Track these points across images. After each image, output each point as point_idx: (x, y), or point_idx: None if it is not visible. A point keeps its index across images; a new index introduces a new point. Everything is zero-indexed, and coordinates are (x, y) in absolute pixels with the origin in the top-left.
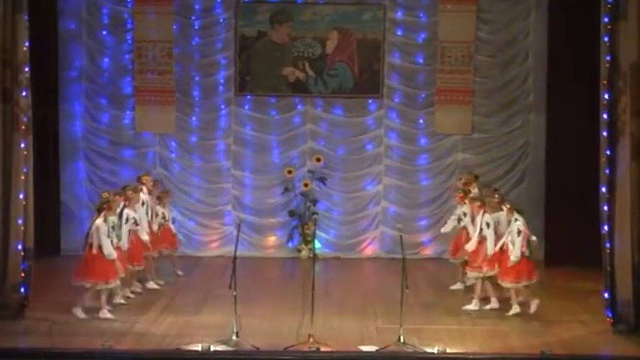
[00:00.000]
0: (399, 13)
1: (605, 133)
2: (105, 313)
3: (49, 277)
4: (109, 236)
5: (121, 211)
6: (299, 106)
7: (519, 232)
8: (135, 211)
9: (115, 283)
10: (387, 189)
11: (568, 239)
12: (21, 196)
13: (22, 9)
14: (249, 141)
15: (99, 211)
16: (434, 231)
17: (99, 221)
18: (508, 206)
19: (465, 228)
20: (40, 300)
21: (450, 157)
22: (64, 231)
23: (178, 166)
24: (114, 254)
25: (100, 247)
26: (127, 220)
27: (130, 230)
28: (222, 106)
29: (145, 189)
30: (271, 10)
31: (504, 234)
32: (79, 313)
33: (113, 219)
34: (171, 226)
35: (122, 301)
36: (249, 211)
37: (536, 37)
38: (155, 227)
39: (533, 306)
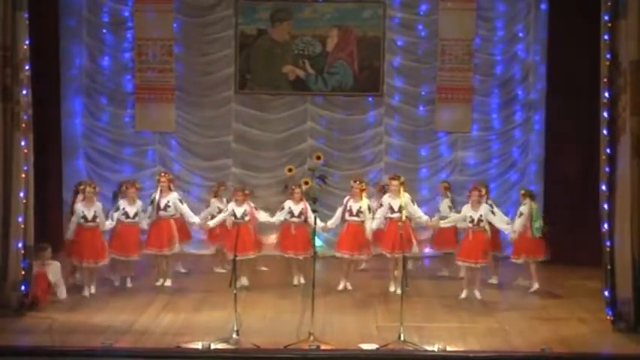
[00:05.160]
0: (399, 11)
1: (605, 132)
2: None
3: None
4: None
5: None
6: (299, 104)
7: (520, 214)
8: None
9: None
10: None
11: (568, 237)
12: (21, 195)
13: (23, 7)
14: (250, 139)
15: (76, 193)
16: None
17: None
18: (522, 191)
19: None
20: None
21: (450, 154)
22: (65, 229)
23: (178, 164)
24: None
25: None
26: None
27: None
28: (223, 104)
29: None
30: (271, 8)
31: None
32: (86, 292)
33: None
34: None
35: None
36: None
37: (536, 34)
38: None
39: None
